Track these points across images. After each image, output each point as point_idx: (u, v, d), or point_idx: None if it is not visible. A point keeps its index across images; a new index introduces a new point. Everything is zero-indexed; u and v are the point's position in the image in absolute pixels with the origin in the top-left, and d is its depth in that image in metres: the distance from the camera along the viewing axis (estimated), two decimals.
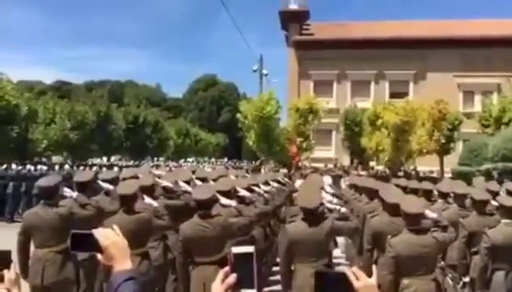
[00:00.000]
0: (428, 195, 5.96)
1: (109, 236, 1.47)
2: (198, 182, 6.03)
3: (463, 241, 4.94)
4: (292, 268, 4.09)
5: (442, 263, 5.17)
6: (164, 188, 5.59)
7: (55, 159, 24.60)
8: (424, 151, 20.58)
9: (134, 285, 1.42)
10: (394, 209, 4.46)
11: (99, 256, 1.47)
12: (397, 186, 5.95)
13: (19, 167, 15.44)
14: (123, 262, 1.45)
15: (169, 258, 5.08)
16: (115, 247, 1.46)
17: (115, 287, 1.41)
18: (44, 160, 22.27)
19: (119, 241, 1.48)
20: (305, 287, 3.75)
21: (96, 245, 1.45)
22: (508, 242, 4.39)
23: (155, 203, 4.89)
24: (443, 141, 21.38)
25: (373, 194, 6.10)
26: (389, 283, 3.87)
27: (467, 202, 5.59)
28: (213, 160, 40.81)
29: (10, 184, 14.20)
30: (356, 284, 1.30)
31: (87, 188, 5.26)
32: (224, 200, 4.67)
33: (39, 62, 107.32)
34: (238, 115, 21.09)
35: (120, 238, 1.49)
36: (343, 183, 11.06)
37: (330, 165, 23.49)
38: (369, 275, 1.34)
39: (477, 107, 27.14)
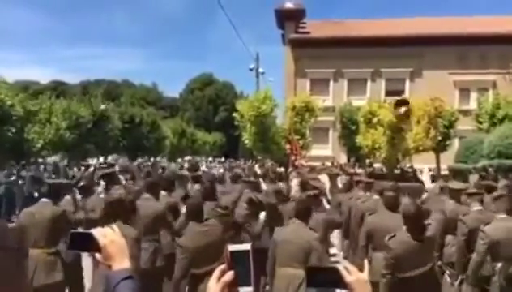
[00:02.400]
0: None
1: (108, 235, 1.47)
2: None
3: (463, 239, 4.93)
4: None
5: (439, 262, 5.18)
6: None
7: (51, 159, 24.50)
8: (421, 148, 20.61)
9: (133, 283, 1.42)
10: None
11: (97, 256, 1.46)
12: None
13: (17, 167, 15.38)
14: (121, 261, 1.45)
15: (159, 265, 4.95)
16: (113, 246, 1.46)
17: (113, 286, 1.41)
18: (40, 160, 22.21)
19: (117, 240, 1.48)
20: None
21: (95, 244, 1.45)
22: (504, 237, 4.40)
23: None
24: (439, 138, 21.43)
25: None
26: (386, 281, 3.89)
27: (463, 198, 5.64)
28: (210, 159, 40.78)
29: (3, 186, 14.12)
30: (348, 278, 1.30)
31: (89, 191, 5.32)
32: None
33: (36, 62, 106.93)
34: (235, 114, 21.06)
35: (118, 237, 1.49)
36: (340, 182, 11.06)
37: (328, 163, 23.51)
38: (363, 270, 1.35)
39: (473, 104, 27.24)
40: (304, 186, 6.99)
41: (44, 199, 4.61)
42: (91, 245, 1.45)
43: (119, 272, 1.43)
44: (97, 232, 1.47)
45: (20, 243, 1.09)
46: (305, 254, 4.01)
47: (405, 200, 4.37)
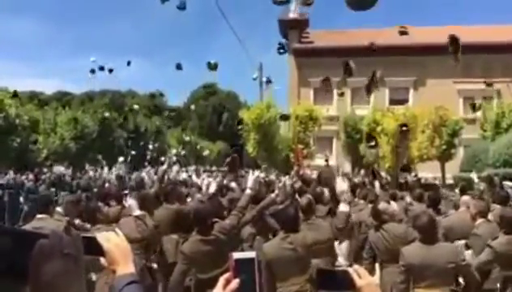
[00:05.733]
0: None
1: (112, 239, 1.46)
2: None
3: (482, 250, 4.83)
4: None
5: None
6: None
7: (58, 169, 24.57)
8: (425, 157, 20.53)
9: (137, 288, 1.41)
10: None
11: (102, 260, 1.45)
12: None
13: (17, 176, 15.45)
14: (125, 265, 1.44)
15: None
16: (117, 250, 1.44)
17: (118, 290, 1.40)
18: (45, 170, 22.28)
19: (121, 244, 1.47)
20: None
21: (100, 249, 1.44)
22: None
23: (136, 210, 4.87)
24: (444, 147, 21.36)
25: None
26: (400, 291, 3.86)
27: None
28: (214, 168, 40.74)
29: (7, 191, 14.17)
30: (358, 282, 1.29)
31: None
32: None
33: (41, 73, 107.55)
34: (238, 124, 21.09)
35: (122, 241, 1.48)
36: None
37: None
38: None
39: (477, 113, 27.17)
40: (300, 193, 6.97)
41: (39, 215, 4.50)
42: (96, 249, 1.44)
43: (123, 276, 1.42)
44: (101, 236, 1.46)
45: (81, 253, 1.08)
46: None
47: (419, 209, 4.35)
